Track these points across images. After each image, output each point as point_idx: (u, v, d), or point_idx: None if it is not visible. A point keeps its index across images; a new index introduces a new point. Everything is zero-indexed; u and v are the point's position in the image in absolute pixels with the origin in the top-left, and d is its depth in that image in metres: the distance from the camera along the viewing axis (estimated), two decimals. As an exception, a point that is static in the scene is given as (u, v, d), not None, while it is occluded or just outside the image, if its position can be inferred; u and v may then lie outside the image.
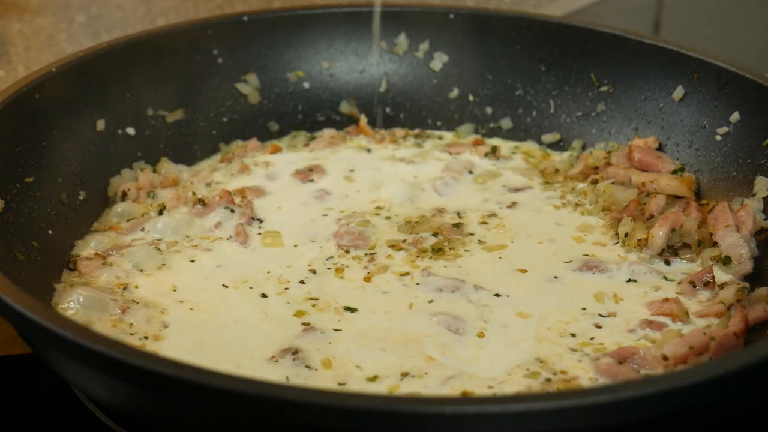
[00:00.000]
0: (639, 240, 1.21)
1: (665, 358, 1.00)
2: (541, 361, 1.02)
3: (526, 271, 1.18)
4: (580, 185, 1.37)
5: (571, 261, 1.20)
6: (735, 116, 1.33)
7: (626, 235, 1.23)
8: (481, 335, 1.06)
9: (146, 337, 1.05)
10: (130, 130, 1.38)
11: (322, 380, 0.99)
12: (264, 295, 1.13)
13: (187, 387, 0.76)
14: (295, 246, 1.23)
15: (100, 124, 1.34)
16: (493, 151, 1.46)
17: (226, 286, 1.15)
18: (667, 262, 1.20)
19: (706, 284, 1.14)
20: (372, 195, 1.36)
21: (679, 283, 1.16)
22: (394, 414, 0.73)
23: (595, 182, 1.35)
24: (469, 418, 0.73)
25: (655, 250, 1.20)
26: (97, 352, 0.80)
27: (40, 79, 1.24)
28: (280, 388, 0.75)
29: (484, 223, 1.29)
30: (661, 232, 1.19)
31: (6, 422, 1.04)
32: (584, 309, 1.11)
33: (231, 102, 1.50)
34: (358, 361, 1.02)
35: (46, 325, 0.83)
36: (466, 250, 1.23)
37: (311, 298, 1.12)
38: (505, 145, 1.51)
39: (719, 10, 2.36)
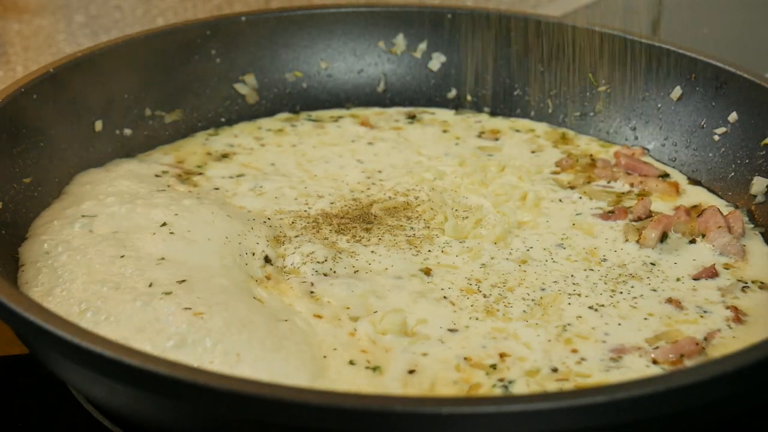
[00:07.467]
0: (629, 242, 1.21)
1: (655, 362, 1.00)
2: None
3: None
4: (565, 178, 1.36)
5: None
6: (733, 116, 1.33)
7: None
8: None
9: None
10: (128, 131, 1.38)
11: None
12: None
13: (184, 387, 0.76)
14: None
15: (98, 125, 1.34)
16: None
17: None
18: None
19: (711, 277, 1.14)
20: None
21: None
22: (390, 414, 0.73)
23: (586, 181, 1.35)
24: (466, 419, 0.73)
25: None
26: (95, 353, 0.80)
27: (38, 80, 1.24)
28: (277, 389, 0.75)
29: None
30: (653, 234, 1.19)
31: (5, 422, 1.04)
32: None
33: (229, 102, 1.50)
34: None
35: (44, 326, 0.83)
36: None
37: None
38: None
39: (718, 10, 2.35)
